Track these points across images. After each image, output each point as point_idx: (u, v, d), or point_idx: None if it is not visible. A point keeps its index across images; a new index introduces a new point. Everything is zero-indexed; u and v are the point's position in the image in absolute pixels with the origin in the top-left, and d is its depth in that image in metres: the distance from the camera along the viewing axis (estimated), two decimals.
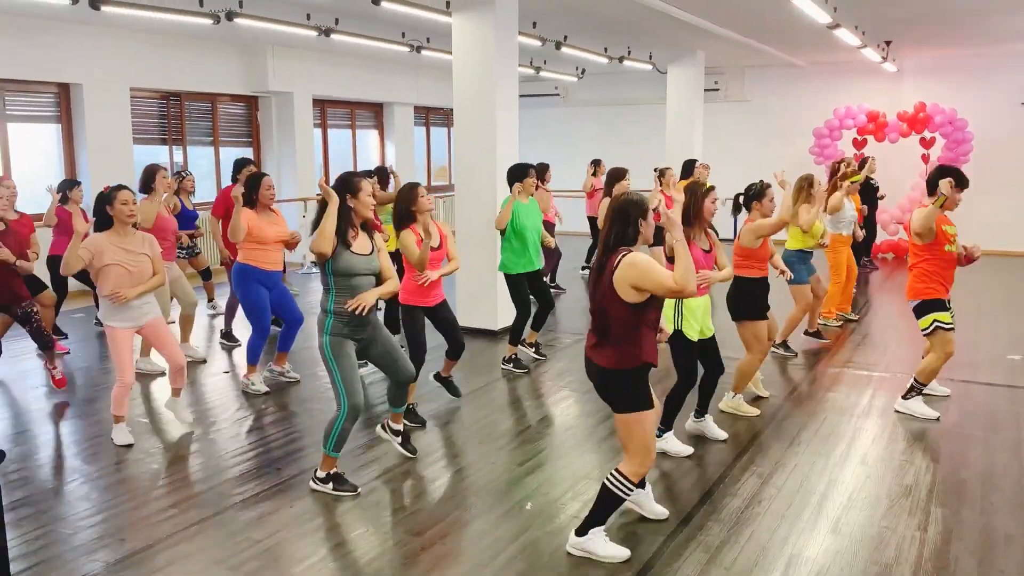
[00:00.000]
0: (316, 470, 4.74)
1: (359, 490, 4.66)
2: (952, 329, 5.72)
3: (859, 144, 13.91)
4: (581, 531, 3.94)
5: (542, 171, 8.49)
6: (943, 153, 13.33)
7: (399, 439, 5.20)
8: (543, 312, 7.22)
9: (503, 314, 8.42)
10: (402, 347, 5.20)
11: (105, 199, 5.40)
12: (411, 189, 5.55)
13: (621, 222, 3.76)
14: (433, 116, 17.15)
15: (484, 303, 8.34)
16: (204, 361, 7.49)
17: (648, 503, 4.37)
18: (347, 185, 4.55)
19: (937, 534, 4.14)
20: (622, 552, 3.91)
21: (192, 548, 4.01)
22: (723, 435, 5.50)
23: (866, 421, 5.82)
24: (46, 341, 6.46)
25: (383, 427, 5.27)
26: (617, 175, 8.15)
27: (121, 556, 3.93)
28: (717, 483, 4.77)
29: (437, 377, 6.26)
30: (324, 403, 6.17)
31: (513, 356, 7.10)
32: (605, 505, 3.89)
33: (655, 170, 9.37)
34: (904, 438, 5.51)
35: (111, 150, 10.55)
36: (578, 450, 5.38)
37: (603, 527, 3.93)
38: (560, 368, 7.26)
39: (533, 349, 7.51)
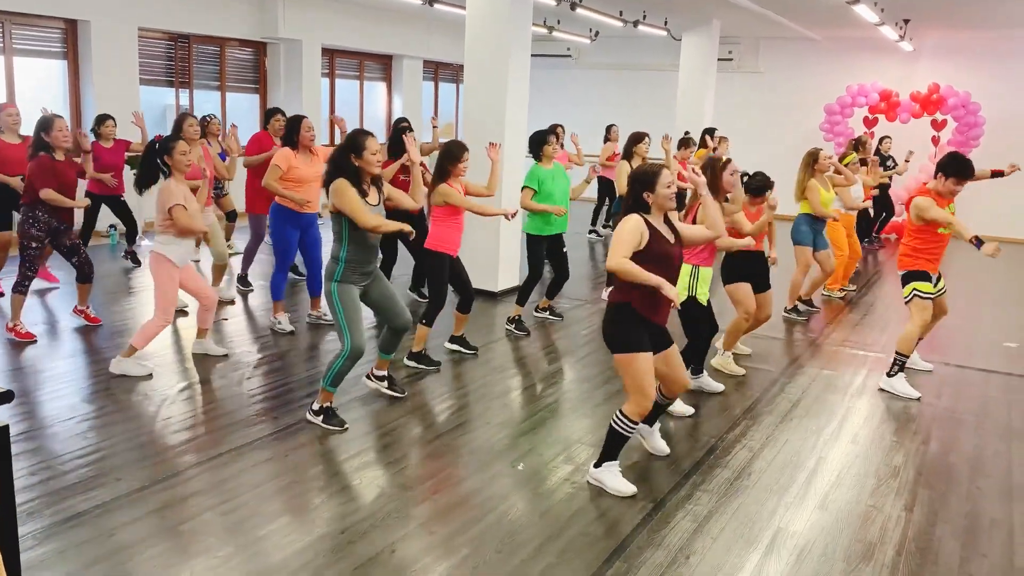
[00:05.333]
0: (312, 403, 4.98)
1: (346, 426, 4.89)
2: (931, 298, 5.88)
3: (870, 123, 13.80)
4: (598, 464, 4.32)
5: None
6: (953, 136, 13.24)
7: (385, 384, 5.42)
8: (559, 280, 7.34)
9: (503, 276, 8.43)
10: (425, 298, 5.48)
11: (164, 150, 5.55)
12: (460, 149, 5.81)
13: (631, 192, 4.14)
14: (442, 71, 16.97)
15: (485, 264, 8.33)
16: (232, 302, 7.64)
17: (652, 439, 4.74)
18: (352, 145, 4.66)
19: (923, 515, 4.18)
20: (629, 487, 4.24)
21: (186, 491, 4.06)
22: (720, 387, 5.85)
23: (859, 400, 5.86)
24: (89, 274, 6.53)
25: (368, 377, 5.45)
26: (636, 139, 8.19)
27: (117, 495, 3.98)
28: (708, 454, 4.81)
29: (452, 340, 6.45)
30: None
31: (517, 317, 7.13)
32: (612, 442, 4.25)
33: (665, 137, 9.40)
34: (895, 419, 5.55)
35: (117, 89, 10.43)
36: (573, 414, 5.42)
37: (616, 462, 4.28)
38: (559, 333, 7.28)
39: (548, 312, 7.65)
